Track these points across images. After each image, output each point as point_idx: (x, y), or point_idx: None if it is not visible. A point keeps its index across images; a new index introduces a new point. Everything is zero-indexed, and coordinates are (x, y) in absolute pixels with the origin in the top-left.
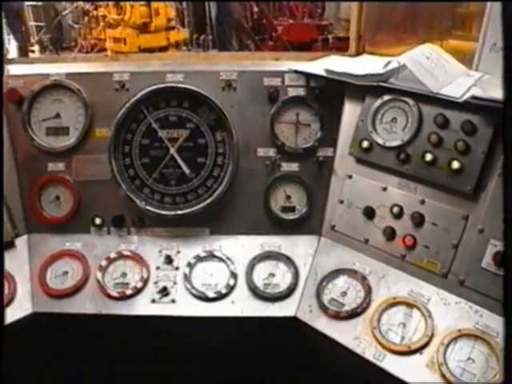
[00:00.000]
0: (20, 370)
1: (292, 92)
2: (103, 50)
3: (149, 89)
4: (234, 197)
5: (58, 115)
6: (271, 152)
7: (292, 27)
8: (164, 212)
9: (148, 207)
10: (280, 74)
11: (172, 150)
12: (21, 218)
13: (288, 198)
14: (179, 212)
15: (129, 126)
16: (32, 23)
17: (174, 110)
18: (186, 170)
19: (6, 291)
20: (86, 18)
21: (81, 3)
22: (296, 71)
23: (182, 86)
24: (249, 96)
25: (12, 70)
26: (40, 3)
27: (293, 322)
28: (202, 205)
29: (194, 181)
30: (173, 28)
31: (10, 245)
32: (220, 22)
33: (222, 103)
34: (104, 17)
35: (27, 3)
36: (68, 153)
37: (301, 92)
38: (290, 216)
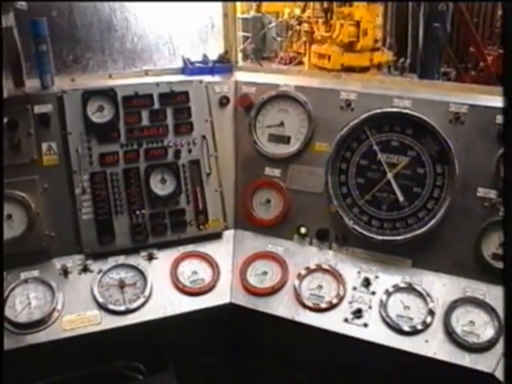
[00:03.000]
0: (205, 352)
1: None
2: (301, 63)
3: (375, 111)
4: (443, 233)
5: (281, 124)
6: (492, 194)
7: None
8: (370, 234)
9: (355, 227)
10: None
11: (389, 175)
12: (231, 213)
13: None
14: (385, 238)
15: (349, 145)
16: (240, 33)
17: (397, 135)
18: (400, 198)
19: (210, 278)
20: (290, 32)
21: (286, 18)
22: None
23: (410, 112)
24: (477, 132)
25: (240, 76)
26: (250, 16)
27: (489, 379)
28: (409, 235)
29: (405, 209)
30: (377, 49)
31: (219, 235)
32: (425, 47)
33: (448, 135)
34: (309, 32)
35: (241, 16)
36: (286, 161)
37: None
38: (501, 265)
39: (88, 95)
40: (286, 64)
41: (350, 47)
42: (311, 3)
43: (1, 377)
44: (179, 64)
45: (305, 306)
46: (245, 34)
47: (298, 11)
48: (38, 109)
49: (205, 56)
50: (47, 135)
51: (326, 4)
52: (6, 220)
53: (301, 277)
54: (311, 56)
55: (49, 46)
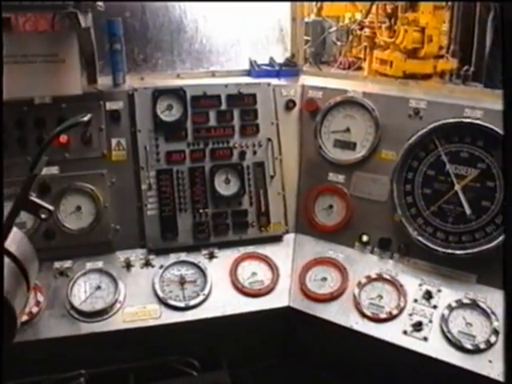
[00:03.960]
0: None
1: None
2: (360, 68)
3: (446, 121)
4: None
5: (347, 130)
6: None
7: None
8: (434, 247)
9: (419, 238)
10: None
11: (457, 187)
12: (292, 217)
13: None
14: (450, 251)
15: (417, 154)
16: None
17: (467, 146)
18: (468, 211)
19: (269, 280)
20: (350, 37)
21: (347, 22)
22: None
23: (482, 123)
24: None
25: (306, 81)
26: (311, 19)
27: None
28: (476, 249)
29: (473, 223)
30: (441, 56)
31: (279, 238)
32: (493, 55)
33: None
34: (370, 37)
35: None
36: (350, 167)
37: None
38: None
39: (158, 94)
40: (344, 69)
41: (413, 54)
42: (374, 8)
43: (1, 376)
44: (245, 66)
45: (364, 315)
46: (305, 37)
47: (359, 16)
48: (110, 105)
49: (271, 59)
50: (117, 131)
51: (389, 9)
52: (75, 211)
53: (361, 285)
54: (372, 62)
55: (123, 46)
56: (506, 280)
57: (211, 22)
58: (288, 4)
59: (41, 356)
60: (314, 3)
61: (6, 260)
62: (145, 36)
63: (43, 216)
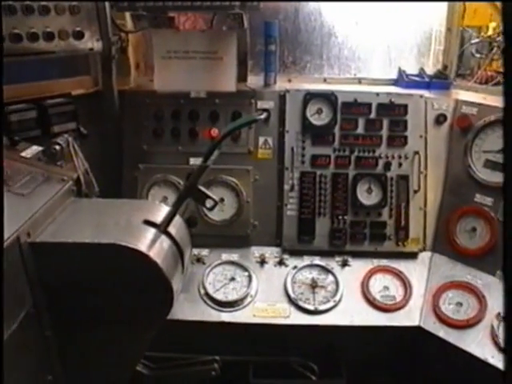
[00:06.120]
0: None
1: None
2: (498, 84)
3: None
4: None
5: (502, 150)
6: None
7: None
8: None
9: None
10: None
11: None
12: (431, 235)
13: None
14: None
15: None
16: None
17: None
18: None
19: (401, 297)
20: (494, 49)
21: (490, 33)
22: None
23: None
24: None
25: (459, 95)
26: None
27: None
28: None
29: None
30: None
31: (414, 255)
32: None
33: None
34: None
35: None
36: (500, 190)
37: None
38: None
39: (309, 97)
40: (481, 83)
41: None
42: None
43: (1, 375)
44: (391, 75)
45: (501, 350)
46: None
47: None
48: (261, 104)
49: (422, 69)
50: (265, 130)
51: None
52: (219, 203)
53: (500, 317)
54: None
55: (277, 47)
56: (506, 280)
57: (362, 28)
58: (444, 12)
59: (171, 336)
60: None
61: (168, 242)
62: (296, 39)
63: (208, 205)
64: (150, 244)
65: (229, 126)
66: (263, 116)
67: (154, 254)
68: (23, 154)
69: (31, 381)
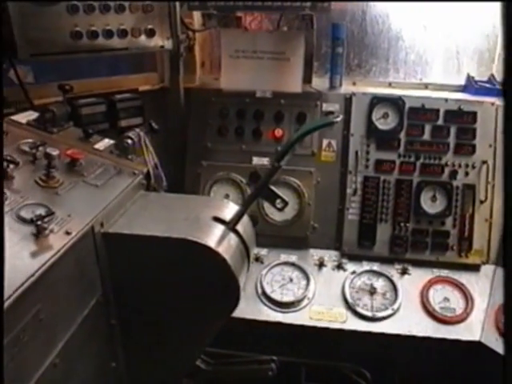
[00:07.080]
0: None
1: None
2: None
3: None
4: None
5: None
6: None
7: None
8: None
9: None
10: None
11: None
12: (495, 248)
13: None
14: None
15: None
16: None
17: None
18: None
19: (461, 310)
20: None
21: None
22: None
23: None
24: None
25: None
26: None
27: None
28: None
29: None
30: None
31: (477, 268)
32: None
33: None
34: None
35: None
36: None
37: None
38: None
39: (376, 101)
40: None
41: None
42: None
43: (1, 374)
44: (458, 81)
45: None
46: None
47: None
48: (326, 106)
49: (492, 76)
50: (329, 133)
51: None
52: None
53: None
54: None
55: (344, 49)
56: (506, 281)
57: (431, 32)
58: None
59: (228, 332)
60: None
61: (236, 239)
62: (362, 41)
63: (278, 206)
64: (219, 240)
65: (304, 127)
66: (339, 119)
67: (222, 250)
68: (96, 146)
69: (97, 366)
